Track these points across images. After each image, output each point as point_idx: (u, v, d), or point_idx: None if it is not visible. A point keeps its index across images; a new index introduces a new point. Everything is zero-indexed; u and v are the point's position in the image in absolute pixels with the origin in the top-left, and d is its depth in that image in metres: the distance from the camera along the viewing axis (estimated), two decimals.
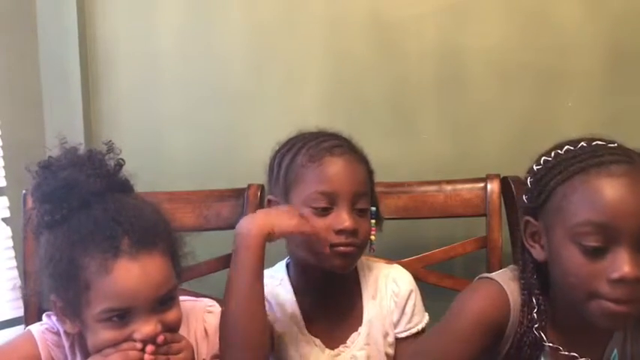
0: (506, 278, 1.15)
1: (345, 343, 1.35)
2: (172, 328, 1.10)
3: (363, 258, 1.41)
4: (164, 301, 1.09)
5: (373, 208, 1.35)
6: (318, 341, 1.34)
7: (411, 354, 1.25)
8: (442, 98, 1.88)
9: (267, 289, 1.27)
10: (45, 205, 1.11)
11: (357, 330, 1.35)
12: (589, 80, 1.87)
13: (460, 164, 1.85)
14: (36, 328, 1.18)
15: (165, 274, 1.09)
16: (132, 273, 1.05)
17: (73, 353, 1.17)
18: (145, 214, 1.12)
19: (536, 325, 1.10)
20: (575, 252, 1.03)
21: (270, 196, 1.38)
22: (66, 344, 1.17)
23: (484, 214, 1.65)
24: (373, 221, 1.35)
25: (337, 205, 1.28)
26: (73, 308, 1.09)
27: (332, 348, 1.35)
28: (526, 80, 1.87)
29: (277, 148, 1.40)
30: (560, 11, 1.86)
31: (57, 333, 1.18)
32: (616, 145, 1.08)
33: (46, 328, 1.18)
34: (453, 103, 1.88)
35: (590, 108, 1.88)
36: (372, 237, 1.34)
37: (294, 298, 1.36)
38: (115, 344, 1.06)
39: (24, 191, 1.54)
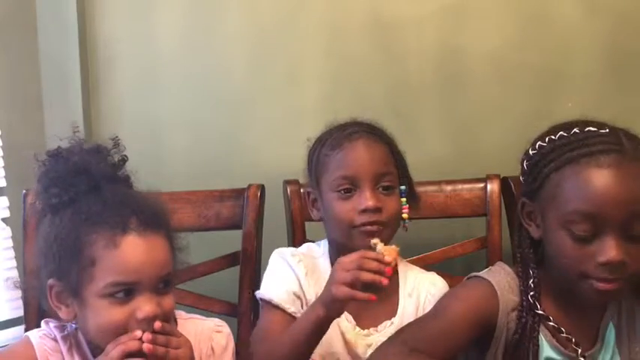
0: (496, 277, 1.21)
1: (376, 327, 1.37)
2: (168, 316, 1.11)
3: (406, 262, 1.45)
4: (165, 284, 1.11)
5: (403, 187, 1.39)
6: (350, 317, 1.36)
7: (395, 339, 1.23)
8: (442, 98, 1.89)
9: (305, 260, 1.38)
10: (52, 189, 1.13)
11: (390, 319, 1.37)
12: (589, 80, 1.88)
13: (460, 164, 1.85)
14: (34, 335, 1.19)
15: (168, 255, 1.13)
16: (139, 248, 1.08)
17: (71, 357, 1.18)
18: (151, 200, 1.16)
19: (531, 294, 1.17)
20: (566, 237, 1.11)
21: (308, 189, 1.46)
22: (63, 349, 1.18)
23: (484, 214, 1.65)
24: (404, 199, 1.39)
25: (359, 187, 1.34)
26: (73, 288, 1.10)
27: (362, 328, 1.36)
28: (526, 80, 1.88)
29: (312, 142, 1.46)
30: (560, 11, 1.86)
31: (54, 339, 1.19)
32: (607, 130, 1.15)
33: (44, 334, 1.19)
34: (453, 104, 1.89)
35: (590, 108, 1.86)
36: (405, 215, 1.39)
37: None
38: (116, 323, 1.07)
39: (24, 191, 1.54)
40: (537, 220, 1.18)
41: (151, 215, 1.12)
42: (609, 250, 1.07)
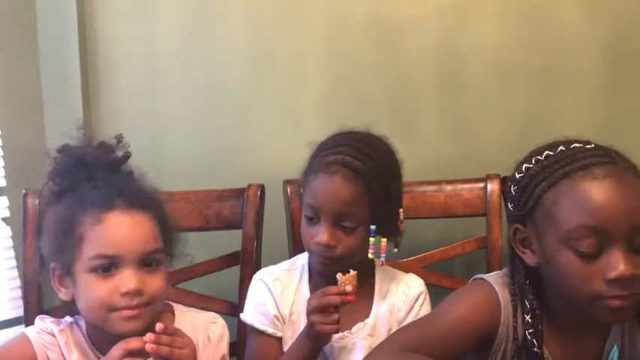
0: (501, 282, 1.17)
1: (350, 329, 1.39)
2: (153, 297, 1.14)
3: (386, 266, 1.45)
4: (149, 262, 1.15)
5: (373, 227, 1.37)
6: None
7: (392, 338, 1.22)
8: (442, 98, 1.89)
9: (283, 276, 1.45)
10: (56, 178, 1.20)
11: (363, 321, 1.40)
12: (589, 80, 1.88)
13: (460, 164, 1.85)
14: (30, 331, 1.21)
15: (153, 232, 1.16)
16: (121, 223, 1.14)
17: (69, 350, 1.19)
18: (143, 185, 1.23)
19: (530, 331, 1.12)
20: (571, 256, 1.05)
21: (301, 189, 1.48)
22: (61, 342, 1.19)
23: (484, 214, 1.65)
24: (373, 239, 1.37)
25: (320, 219, 1.36)
26: (67, 267, 1.15)
27: (336, 331, 1.38)
28: (526, 80, 1.88)
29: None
30: (560, 11, 1.86)
31: (51, 333, 1.20)
32: (593, 145, 1.10)
33: (41, 329, 1.21)
34: (453, 103, 1.89)
35: (590, 108, 1.88)
36: (370, 255, 1.37)
37: (307, 282, 1.45)
38: (102, 298, 1.11)
39: (24, 191, 1.54)
40: (533, 246, 1.12)
41: (138, 195, 1.18)
42: (618, 264, 1.02)
